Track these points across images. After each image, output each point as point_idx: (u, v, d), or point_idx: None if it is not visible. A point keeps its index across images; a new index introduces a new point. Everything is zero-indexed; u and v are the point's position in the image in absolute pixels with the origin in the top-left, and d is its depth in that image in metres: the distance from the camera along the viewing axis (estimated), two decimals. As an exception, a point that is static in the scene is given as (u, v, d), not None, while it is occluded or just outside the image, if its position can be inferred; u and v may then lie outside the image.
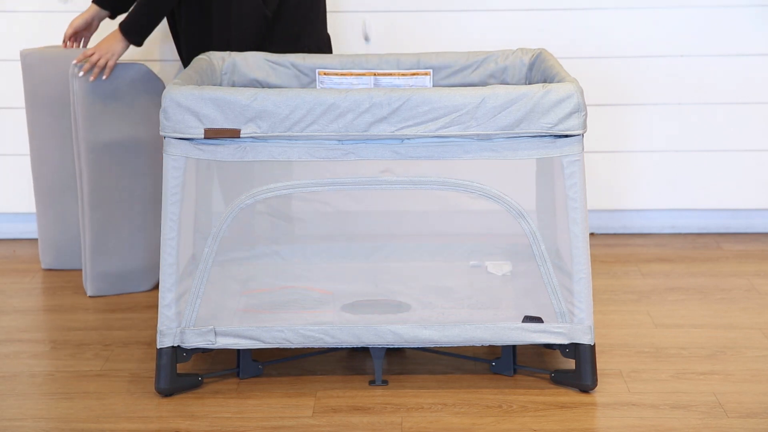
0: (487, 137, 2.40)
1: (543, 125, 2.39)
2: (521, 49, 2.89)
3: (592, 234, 3.71)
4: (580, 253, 2.45)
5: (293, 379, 2.58)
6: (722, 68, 3.55)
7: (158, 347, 2.46)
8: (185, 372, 2.55)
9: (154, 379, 2.49)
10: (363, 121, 2.38)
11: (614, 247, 3.58)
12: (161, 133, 2.42)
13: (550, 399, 2.46)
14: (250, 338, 2.47)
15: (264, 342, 2.47)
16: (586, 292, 2.46)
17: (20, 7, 3.52)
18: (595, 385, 2.48)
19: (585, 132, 2.42)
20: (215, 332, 2.47)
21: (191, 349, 2.48)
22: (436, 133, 2.39)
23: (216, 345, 2.47)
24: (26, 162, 3.52)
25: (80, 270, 3.31)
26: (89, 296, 3.14)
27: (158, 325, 2.46)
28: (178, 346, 2.47)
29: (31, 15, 3.52)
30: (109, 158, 3.06)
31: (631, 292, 3.16)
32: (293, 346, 2.48)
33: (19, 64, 3.36)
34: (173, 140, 2.41)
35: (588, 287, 2.46)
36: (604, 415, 2.39)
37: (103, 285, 3.14)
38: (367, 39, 3.46)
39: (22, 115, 3.50)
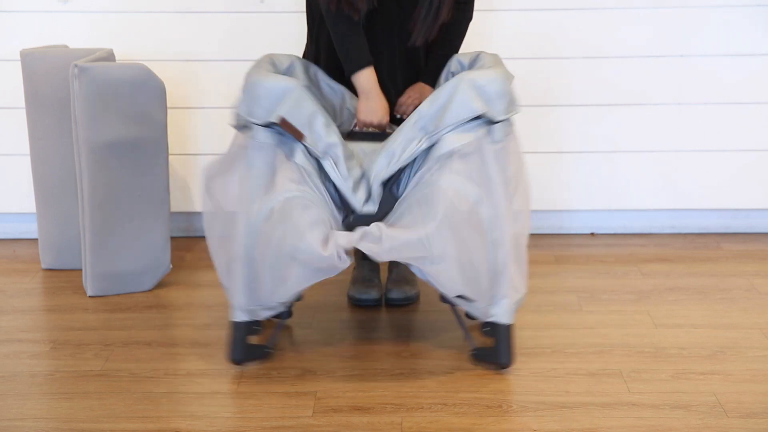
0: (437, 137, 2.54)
1: (472, 111, 2.49)
2: (461, 54, 2.91)
3: (592, 234, 3.72)
4: (504, 236, 2.52)
5: (293, 379, 2.58)
6: (722, 68, 3.55)
7: (232, 320, 2.58)
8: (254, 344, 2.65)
9: (226, 351, 2.64)
10: None
11: (614, 247, 3.58)
12: (249, 119, 2.53)
13: (550, 399, 2.47)
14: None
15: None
16: (508, 274, 2.55)
17: (20, 7, 3.52)
18: (511, 363, 2.59)
19: (510, 116, 2.55)
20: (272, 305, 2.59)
21: (261, 321, 2.62)
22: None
23: (275, 311, 2.62)
24: (26, 162, 3.53)
25: (80, 270, 3.31)
26: (89, 296, 3.14)
27: (232, 301, 2.58)
28: (251, 320, 2.59)
29: (31, 15, 3.52)
30: (109, 158, 3.06)
31: (631, 292, 3.16)
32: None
33: (19, 64, 3.36)
34: (256, 126, 2.54)
35: (509, 270, 2.55)
36: (604, 415, 2.39)
37: (103, 285, 3.14)
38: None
39: (22, 115, 3.51)
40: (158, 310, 3.03)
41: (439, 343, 2.78)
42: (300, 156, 2.55)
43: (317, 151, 2.54)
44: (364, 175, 2.58)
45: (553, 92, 3.56)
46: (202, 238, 3.68)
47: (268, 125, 2.54)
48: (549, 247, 3.58)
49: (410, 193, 2.54)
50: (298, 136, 2.52)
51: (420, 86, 2.90)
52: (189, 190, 3.66)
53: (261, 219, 2.49)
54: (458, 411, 2.41)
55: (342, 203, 2.60)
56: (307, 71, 2.88)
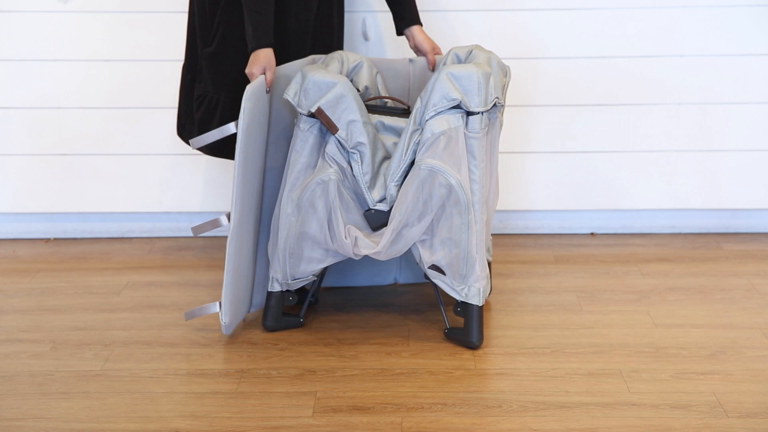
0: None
1: (450, 98, 2.64)
2: (457, 48, 2.98)
3: (592, 234, 3.71)
4: (477, 220, 2.69)
5: (293, 379, 2.58)
6: (722, 68, 3.55)
7: (269, 291, 2.83)
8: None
9: (261, 318, 2.89)
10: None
11: (614, 247, 3.58)
12: (296, 108, 2.71)
13: (550, 399, 2.47)
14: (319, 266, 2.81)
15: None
16: (480, 258, 2.71)
17: (20, 7, 3.52)
18: (481, 342, 2.74)
19: (485, 111, 2.66)
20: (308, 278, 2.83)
21: (294, 291, 2.87)
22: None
23: (307, 281, 2.85)
24: (28, 161, 3.51)
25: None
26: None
27: (272, 273, 2.83)
28: (286, 290, 2.84)
29: (31, 15, 3.52)
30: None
31: (631, 292, 3.16)
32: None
33: (19, 64, 3.36)
34: (302, 115, 2.72)
35: (483, 255, 2.72)
36: (604, 415, 2.39)
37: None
38: (366, 39, 3.46)
39: (20, 115, 3.50)
40: (158, 310, 3.03)
41: (438, 343, 2.78)
42: (332, 147, 2.71)
43: (347, 145, 2.70)
44: (382, 171, 2.74)
45: (552, 92, 3.56)
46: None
47: (312, 115, 2.71)
48: (549, 247, 3.58)
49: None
50: (332, 128, 2.68)
51: (422, 36, 3.08)
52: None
53: (295, 202, 2.72)
54: (458, 411, 2.41)
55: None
56: (370, 72, 2.99)
